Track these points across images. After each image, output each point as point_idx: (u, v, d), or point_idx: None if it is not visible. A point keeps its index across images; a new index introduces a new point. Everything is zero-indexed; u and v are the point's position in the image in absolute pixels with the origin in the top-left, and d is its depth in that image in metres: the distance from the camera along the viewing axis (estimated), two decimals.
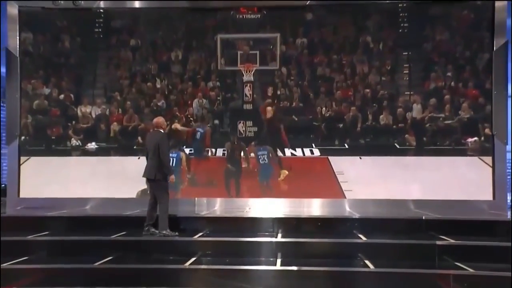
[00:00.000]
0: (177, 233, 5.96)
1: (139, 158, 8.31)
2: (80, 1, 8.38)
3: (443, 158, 8.18)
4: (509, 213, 7.34)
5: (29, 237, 5.92)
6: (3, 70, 8.58)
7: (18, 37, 8.40)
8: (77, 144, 8.74)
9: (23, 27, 8.55)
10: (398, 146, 8.41)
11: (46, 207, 7.61)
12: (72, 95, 8.83)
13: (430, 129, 8.29)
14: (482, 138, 8.07)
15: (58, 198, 8.09)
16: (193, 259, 5.43)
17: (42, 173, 8.46)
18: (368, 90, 8.59)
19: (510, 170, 9.72)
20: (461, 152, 8.16)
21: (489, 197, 7.78)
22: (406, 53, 8.61)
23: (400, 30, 8.52)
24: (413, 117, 8.34)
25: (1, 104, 9.85)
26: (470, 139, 8.13)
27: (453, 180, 7.98)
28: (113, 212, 7.16)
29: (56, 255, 5.63)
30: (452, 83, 8.32)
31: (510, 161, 9.58)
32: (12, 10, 8.38)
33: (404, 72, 8.61)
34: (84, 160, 8.67)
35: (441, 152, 8.23)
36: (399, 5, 8.44)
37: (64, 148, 8.70)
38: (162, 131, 6.18)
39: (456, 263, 5.16)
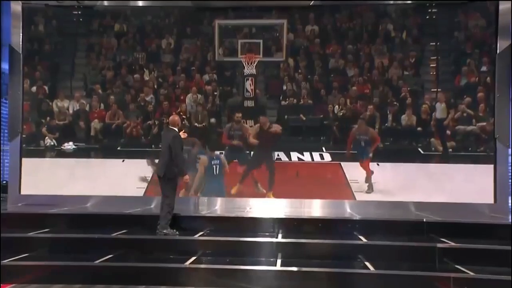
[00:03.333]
0: (177, 232, 6.03)
1: (123, 161, 8.12)
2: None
3: (475, 166, 7.68)
4: (510, 216, 7.32)
5: (30, 234, 6.00)
6: (6, 67, 8.68)
7: (21, 34, 8.44)
8: (52, 143, 8.36)
9: None
10: (422, 152, 7.93)
11: (47, 204, 7.69)
12: (46, 88, 8.50)
13: (462, 132, 7.76)
14: None
15: (59, 195, 8.08)
16: (193, 258, 5.54)
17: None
18: (388, 86, 8.18)
19: None
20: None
21: None
22: (433, 43, 8.24)
23: (427, 17, 8.15)
24: (436, 118, 7.94)
25: (4, 101, 10.00)
26: None
27: (487, 193, 7.53)
28: (114, 210, 7.23)
29: (56, 252, 5.70)
30: (488, 79, 7.83)
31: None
32: (16, 7, 8.44)
33: (431, 65, 8.25)
34: (59, 162, 8.23)
35: (474, 159, 7.74)
36: None
37: (36, 148, 8.34)
38: (176, 129, 6.26)
39: (457, 266, 5.22)
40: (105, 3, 8.69)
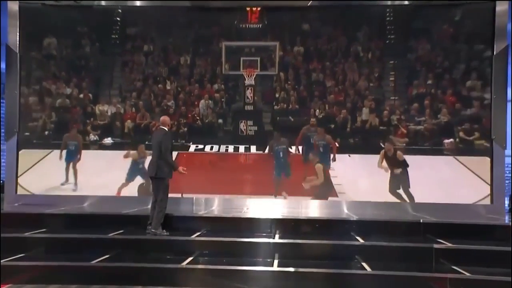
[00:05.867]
0: (167, 233, 5.90)
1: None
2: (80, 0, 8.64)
3: (423, 157, 8.82)
4: (507, 217, 7.37)
5: (27, 234, 5.79)
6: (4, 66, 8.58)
7: (18, 33, 8.44)
8: (95, 139, 9.25)
9: (47, 33, 9.30)
10: (383, 146, 8.98)
11: (43, 204, 7.59)
12: (90, 95, 9.38)
13: (412, 131, 8.93)
14: (457, 140, 8.77)
15: (55, 195, 8.25)
16: (190, 258, 5.35)
17: (64, 164, 9.07)
18: (357, 95, 9.29)
19: (510, 175, 10.37)
20: (439, 151, 8.83)
21: (463, 191, 8.34)
22: (392, 62, 9.24)
23: (387, 41, 9.19)
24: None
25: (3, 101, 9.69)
26: (446, 140, 8.79)
27: (432, 176, 8.58)
28: (111, 210, 7.10)
29: (53, 252, 5.52)
30: (432, 90, 8.92)
31: (510, 165, 10.08)
32: (13, 6, 8.43)
33: (390, 79, 9.20)
34: (101, 153, 9.23)
35: (422, 152, 8.88)
36: (387, 18, 9.23)
37: (83, 143, 9.19)
38: (167, 129, 6.24)
39: (453, 267, 5.13)
40: (103, 2, 9.04)
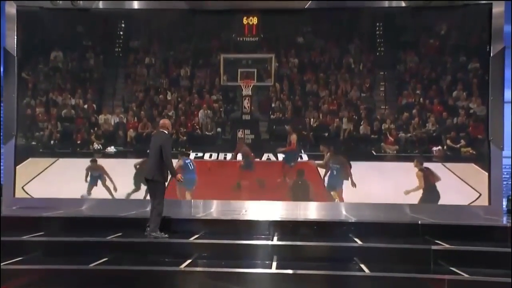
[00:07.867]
0: (167, 235, 5.88)
1: None
2: (78, 1, 8.65)
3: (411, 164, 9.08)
4: (504, 218, 7.47)
5: (24, 237, 5.79)
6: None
7: (16, 36, 8.51)
8: (99, 147, 9.54)
9: (54, 46, 9.69)
10: (374, 153, 9.32)
11: (41, 207, 7.66)
12: (94, 105, 9.67)
13: (403, 138, 9.24)
14: (445, 147, 9.11)
15: (53, 198, 8.31)
16: (189, 261, 5.36)
17: (68, 172, 9.37)
18: (349, 105, 9.60)
19: (510, 176, 10.42)
20: (428, 158, 9.11)
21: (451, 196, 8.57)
22: (382, 73, 9.54)
23: (377, 54, 9.51)
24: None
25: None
26: (435, 148, 9.10)
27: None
28: (109, 213, 7.20)
29: (51, 255, 5.52)
30: (421, 100, 9.27)
31: (509, 166, 10.22)
32: (10, 9, 8.50)
33: (381, 89, 9.51)
34: (104, 161, 9.49)
35: (412, 159, 9.16)
36: (377, 32, 9.65)
37: (87, 151, 9.50)
38: (167, 132, 6.20)
39: (451, 268, 5.13)
40: (100, 4, 9.09)
